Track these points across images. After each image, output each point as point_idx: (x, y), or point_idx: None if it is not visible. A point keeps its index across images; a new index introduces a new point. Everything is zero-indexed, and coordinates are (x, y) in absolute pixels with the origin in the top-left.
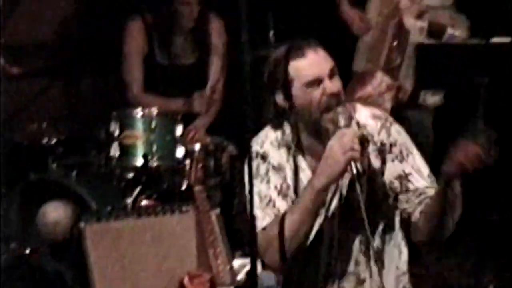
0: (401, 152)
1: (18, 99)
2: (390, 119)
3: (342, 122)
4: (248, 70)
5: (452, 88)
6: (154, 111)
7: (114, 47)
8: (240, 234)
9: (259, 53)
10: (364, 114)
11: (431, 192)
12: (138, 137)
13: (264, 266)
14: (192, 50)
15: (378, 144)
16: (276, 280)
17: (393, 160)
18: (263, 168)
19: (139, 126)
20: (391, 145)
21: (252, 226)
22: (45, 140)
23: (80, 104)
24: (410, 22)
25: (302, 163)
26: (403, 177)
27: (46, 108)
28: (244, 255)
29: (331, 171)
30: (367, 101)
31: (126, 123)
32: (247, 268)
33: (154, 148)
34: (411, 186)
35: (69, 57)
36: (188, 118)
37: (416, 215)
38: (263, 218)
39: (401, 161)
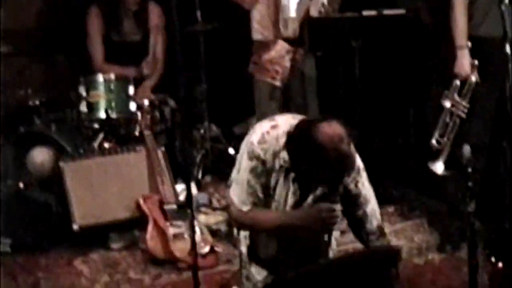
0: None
1: (9, 72)
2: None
3: None
4: (179, 42)
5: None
6: (112, 76)
7: (79, 29)
8: (180, 165)
9: (188, 29)
10: None
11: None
12: (101, 96)
13: (199, 189)
14: (137, 29)
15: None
16: (208, 199)
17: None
18: (260, 168)
19: (101, 88)
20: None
21: (187, 160)
22: (30, 102)
23: (56, 74)
24: None
25: (289, 183)
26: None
27: (31, 78)
28: (183, 181)
29: (299, 222)
30: (272, 62)
31: (91, 86)
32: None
33: (113, 104)
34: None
35: (45, 38)
36: (137, 81)
37: None
38: (243, 202)
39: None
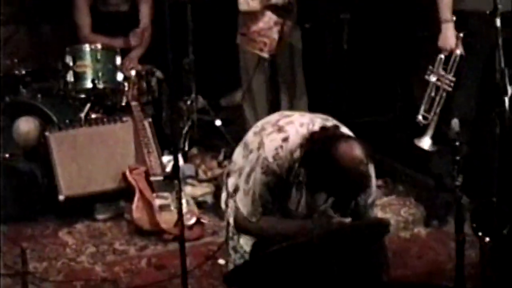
0: None
1: None
2: None
3: None
4: (168, 14)
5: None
6: (99, 46)
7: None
8: (167, 137)
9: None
10: None
11: None
12: (87, 66)
13: (186, 161)
14: (124, 0)
15: None
16: (194, 170)
17: None
18: (274, 182)
19: (88, 58)
20: None
21: (174, 132)
22: (16, 72)
23: (42, 43)
24: None
25: (302, 192)
26: None
27: (17, 48)
28: (170, 152)
29: (309, 234)
30: (260, 34)
31: (78, 56)
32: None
33: (100, 74)
34: None
35: (32, 7)
36: (124, 52)
37: None
38: (253, 214)
39: None
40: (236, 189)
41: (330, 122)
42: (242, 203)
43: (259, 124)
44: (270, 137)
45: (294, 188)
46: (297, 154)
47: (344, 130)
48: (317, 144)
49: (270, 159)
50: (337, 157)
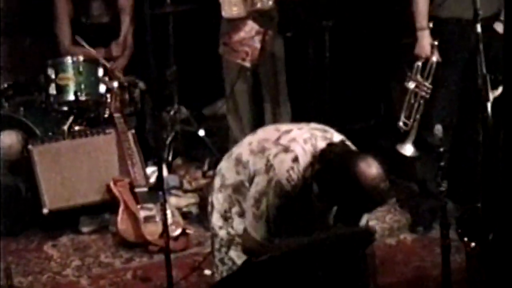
0: None
1: None
2: None
3: None
4: (149, 24)
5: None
6: (81, 58)
7: (48, 12)
8: (151, 148)
9: (158, 11)
10: None
11: None
12: (70, 79)
13: (170, 171)
14: (106, 11)
15: None
16: (179, 181)
17: None
18: (288, 204)
19: (70, 70)
20: None
21: (158, 143)
22: None
23: (23, 56)
24: None
25: (311, 205)
26: None
27: None
28: (154, 163)
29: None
30: (242, 43)
31: (60, 69)
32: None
33: (83, 86)
34: None
35: (13, 20)
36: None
37: None
38: (267, 238)
39: None
40: (244, 212)
41: (329, 133)
42: (254, 229)
43: (254, 140)
44: (278, 158)
45: (305, 203)
46: (308, 173)
47: (348, 143)
48: (331, 164)
49: (284, 181)
50: (359, 178)
